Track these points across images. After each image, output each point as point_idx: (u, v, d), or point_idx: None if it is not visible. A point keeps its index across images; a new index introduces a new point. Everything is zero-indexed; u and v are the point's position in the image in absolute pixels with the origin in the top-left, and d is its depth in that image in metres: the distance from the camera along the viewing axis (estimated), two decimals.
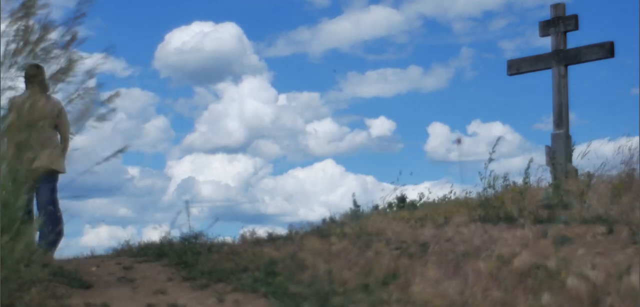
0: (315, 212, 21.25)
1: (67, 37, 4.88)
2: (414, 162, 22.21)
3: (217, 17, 28.45)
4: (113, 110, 5.05)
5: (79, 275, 5.18)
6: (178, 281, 5.19)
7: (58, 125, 6.38)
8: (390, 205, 9.13)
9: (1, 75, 4.65)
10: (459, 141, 8.44)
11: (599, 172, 7.16)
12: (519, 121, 24.33)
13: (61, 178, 6.53)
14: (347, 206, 9.14)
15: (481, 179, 6.87)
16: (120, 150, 5.08)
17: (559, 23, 9.21)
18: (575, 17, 9.19)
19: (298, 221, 7.64)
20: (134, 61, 24.11)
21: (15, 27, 4.75)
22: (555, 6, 9.29)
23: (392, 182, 8.38)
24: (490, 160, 6.87)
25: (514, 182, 7.11)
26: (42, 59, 4.92)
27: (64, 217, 6.31)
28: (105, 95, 5.08)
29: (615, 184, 6.45)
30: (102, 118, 5.02)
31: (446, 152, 20.08)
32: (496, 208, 6.41)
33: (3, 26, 4.74)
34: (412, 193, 9.59)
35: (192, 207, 6.84)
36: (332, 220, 8.18)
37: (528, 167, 6.93)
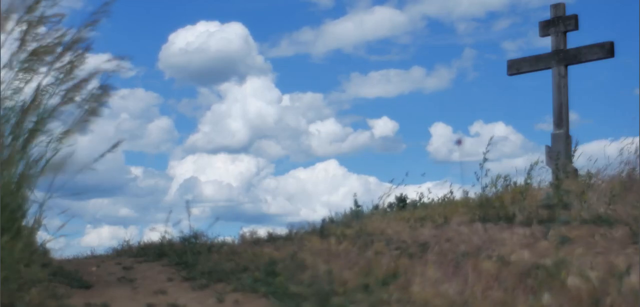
0: (317, 213, 21.21)
1: (76, 39, 4.91)
2: (416, 163, 22.19)
3: (223, 16, 28.37)
4: (105, 104, 5.05)
5: (79, 275, 5.18)
6: (178, 281, 5.19)
7: None
8: (390, 205, 9.10)
9: (1, 75, 4.66)
10: (459, 142, 8.39)
11: (600, 172, 7.15)
12: (521, 122, 24.24)
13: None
14: (349, 206, 9.12)
15: (478, 179, 6.87)
16: (116, 145, 5.07)
17: (559, 23, 9.20)
18: (575, 17, 9.18)
19: (299, 221, 7.62)
20: (138, 62, 24.05)
21: (20, 28, 4.76)
22: (555, 6, 9.27)
23: (393, 182, 8.31)
24: (485, 160, 6.86)
25: (515, 183, 7.09)
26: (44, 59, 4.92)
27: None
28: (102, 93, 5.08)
29: (615, 184, 6.44)
30: (94, 112, 5.00)
31: (449, 152, 20.02)
32: (496, 208, 6.39)
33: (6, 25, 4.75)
34: (412, 193, 9.57)
35: (194, 207, 6.82)
36: (332, 220, 8.16)
37: (531, 169, 6.91)
